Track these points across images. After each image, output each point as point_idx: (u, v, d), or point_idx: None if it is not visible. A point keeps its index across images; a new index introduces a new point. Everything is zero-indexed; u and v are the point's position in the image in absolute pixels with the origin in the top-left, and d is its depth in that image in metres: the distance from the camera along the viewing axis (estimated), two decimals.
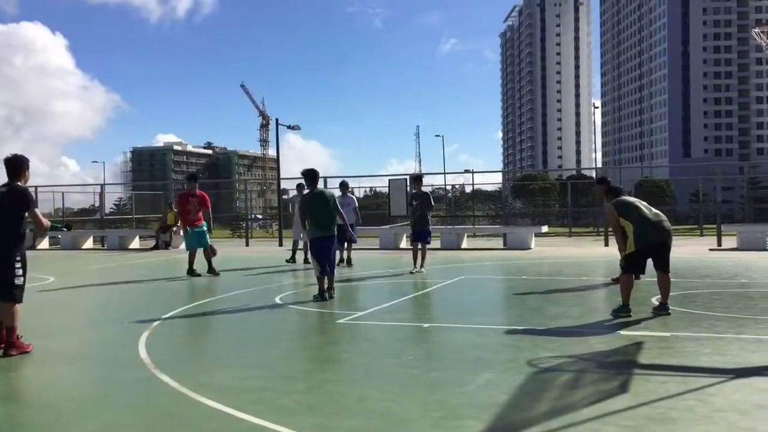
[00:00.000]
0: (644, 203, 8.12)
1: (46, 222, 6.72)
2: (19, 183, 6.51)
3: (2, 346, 6.29)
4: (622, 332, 6.82)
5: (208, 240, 13.02)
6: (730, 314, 7.81)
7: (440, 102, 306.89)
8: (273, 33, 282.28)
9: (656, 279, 7.95)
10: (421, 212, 13.16)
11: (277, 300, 9.80)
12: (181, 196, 13.27)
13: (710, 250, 18.85)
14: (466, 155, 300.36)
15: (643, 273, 8.09)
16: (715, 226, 22.35)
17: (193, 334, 7.82)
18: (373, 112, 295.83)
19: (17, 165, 6.56)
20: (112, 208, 43.53)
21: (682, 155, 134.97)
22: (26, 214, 6.45)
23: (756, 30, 9.02)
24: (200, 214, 12.88)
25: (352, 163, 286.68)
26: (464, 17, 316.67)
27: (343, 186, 15.02)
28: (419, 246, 13.28)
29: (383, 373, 5.44)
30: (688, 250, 17.81)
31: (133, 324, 7.97)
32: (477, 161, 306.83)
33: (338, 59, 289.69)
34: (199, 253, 13.02)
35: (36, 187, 31.89)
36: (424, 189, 13.86)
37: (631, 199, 8.35)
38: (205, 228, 13.00)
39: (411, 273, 12.88)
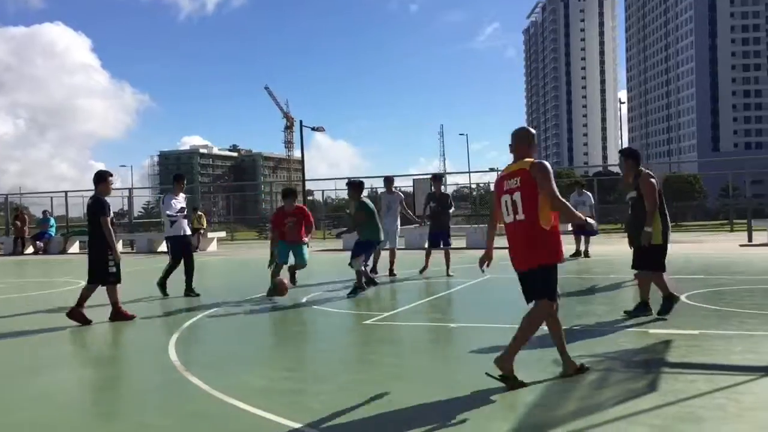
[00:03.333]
0: None
1: (109, 232, 8.35)
2: (99, 193, 8.47)
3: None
4: (650, 330, 6.76)
5: (305, 257, 11.03)
6: (762, 311, 7.70)
7: (468, 99, 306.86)
8: (296, 33, 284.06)
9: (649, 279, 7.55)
10: (441, 214, 12.68)
11: (305, 300, 9.87)
12: (276, 216, 11.17)
13: (741, 246, 18.58)
14: (496, 152, 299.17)
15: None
16: (745, 221, 22.04)
17: (221, 335, 7.91)
18: (401, 111, 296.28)
19: (96, 177, 8.57)
20: (140, 211, 44.19)
21: (711, 149, 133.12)
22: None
23: None
24: (303, 229, 10.93)
25: (381, 161, 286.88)
26: (487, 14, 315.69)
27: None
28: (433, 249, 12.89)
29: (410, 373, 5.47)
30: (719, 246, 17.59)
31: (162, 326, 8.09)
32: (507, 158, 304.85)
33: (364, 58, 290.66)
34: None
35: (65, 192, 32.61)
36: (443, 189, 13.35)
37: None
38: (305, 246, 11.00)
39: (420, 273, 12.68)
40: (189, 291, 10.84)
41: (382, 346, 6.76)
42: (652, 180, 7.33)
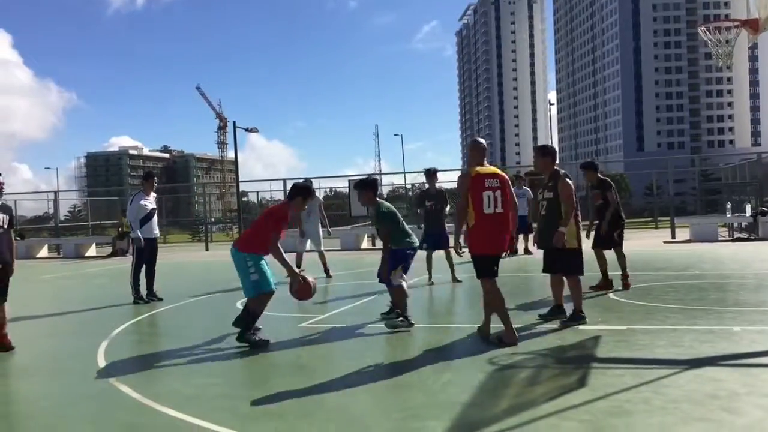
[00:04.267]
0: None
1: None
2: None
3: None
4: (580, 327, 6.94)
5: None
6: (684, 306, 8.01)
7: (405, 99, 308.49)
8: (230, 31, 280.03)
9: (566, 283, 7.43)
10: (438, 214, 11.20)
11: (239, 305, 9.72)
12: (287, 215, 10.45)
13: (665, 242, 19.29)
14: (432, 153, 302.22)
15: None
16: (668, 218, 22.89)
17: (152, 342, 7.72)
18: (338, 112, 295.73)
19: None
20: (66, 215, 42.73)
21: (636, 149, 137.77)
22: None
23: (701, 27, 9.24)
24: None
25: (318, 162, 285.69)
26: (424, 15, 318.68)
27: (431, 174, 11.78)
28: (432, 252, 11.44)
29: (344, 376, 5.45)
30: (644, 243, 18.21)
31: (90, 334, 7.84)
32: (444, 159, 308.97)
33: (299, 58, 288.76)
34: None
35: None
36: (439, 185, 11.60)
37: None
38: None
39: (431, 284, 11.15)
40: (151, 295, 10.51)
41: (317, 349, 6.73)
42: (569, 181, 7.19)
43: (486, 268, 6.39)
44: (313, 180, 14.25)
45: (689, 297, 8.71)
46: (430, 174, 11.43)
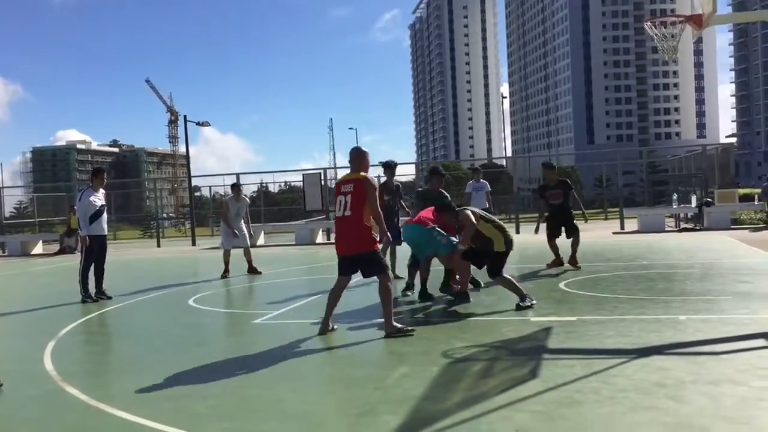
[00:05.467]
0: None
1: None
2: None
3: None
4: (532, 318, 7.04)
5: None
6: (632, 296, 8.18)
7: (361, 92, 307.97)
8: (182, 24, 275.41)
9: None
10: (393, 209, 10.78)
11: (191, 303, 9.60)
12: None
13: (614, 233, 19.70)
14: (387, 146, 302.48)
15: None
16: (618, 209, 23.39)
17: (102, 342, 7.57)
18: (295, 105, 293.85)
19: None
20: (12, 211, 41.51)
21: (587, 142, 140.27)
22: None
23: (648, 22, 9.41)
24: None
25: (274, 156, 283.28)
26: (379, 7, 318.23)
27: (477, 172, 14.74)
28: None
29: (299, 373, 5.43)
30: (594, 235, 18.55)
31: (37, 335, 7.64)
32: (399, 152, 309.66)
33: (252, 51, 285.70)
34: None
35: None
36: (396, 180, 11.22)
37: None
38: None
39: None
40: (100, 294, 10.27)
41: (271, 345, 6.67)
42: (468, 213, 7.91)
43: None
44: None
45: (637, 287, 8.90)
46: (390, 167, 10.93)
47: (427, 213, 8.52)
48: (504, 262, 7.90)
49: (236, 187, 13.25)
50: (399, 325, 6.60)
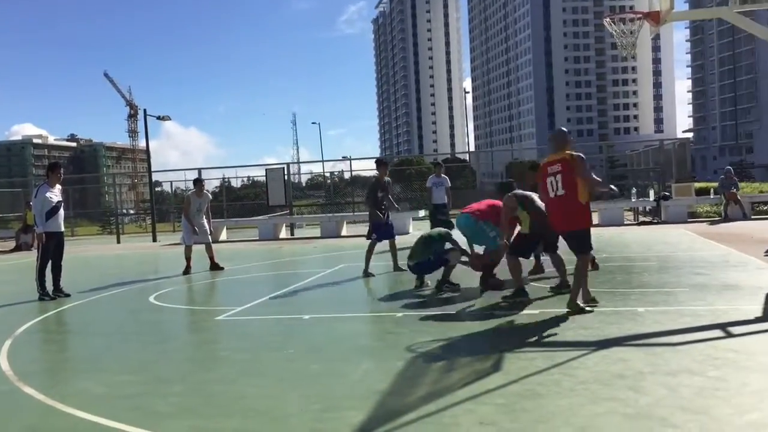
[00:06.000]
0: None
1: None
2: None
3: None
4: (496, 312, 7.10)
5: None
6: (592, 289, 8.24)
7: (325, 86, 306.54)
8: (141, 16, 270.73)
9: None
10: (389, 204, 11.16)
11: (152, 300, 9.46)
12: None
13: None
14: (351, 139, 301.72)
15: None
16: None
17: (60, 340, 7.42)
18: (258, 99, 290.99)
19: None
20: None
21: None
22: None
23: (607, 19, 9.57)
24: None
25: (237, 150, 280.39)
26: (340, 0, 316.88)
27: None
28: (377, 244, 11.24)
29: (263, 369, 5.40)
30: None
31: None
32: (364, 146, 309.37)
33: (214, 43, 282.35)
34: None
35: None
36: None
37: None
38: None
39: (370, 276, 10.72)
40: (58, 291, 10.04)
41: (234, 342, 6.62)
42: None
43: None
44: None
45: (597, 280, 9.02)
46: (384, 164, 11.31)
47: (479, 205, 8.79)
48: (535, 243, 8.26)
49: (199, 182, 13.10)
50: (582, 304, 6.82)
